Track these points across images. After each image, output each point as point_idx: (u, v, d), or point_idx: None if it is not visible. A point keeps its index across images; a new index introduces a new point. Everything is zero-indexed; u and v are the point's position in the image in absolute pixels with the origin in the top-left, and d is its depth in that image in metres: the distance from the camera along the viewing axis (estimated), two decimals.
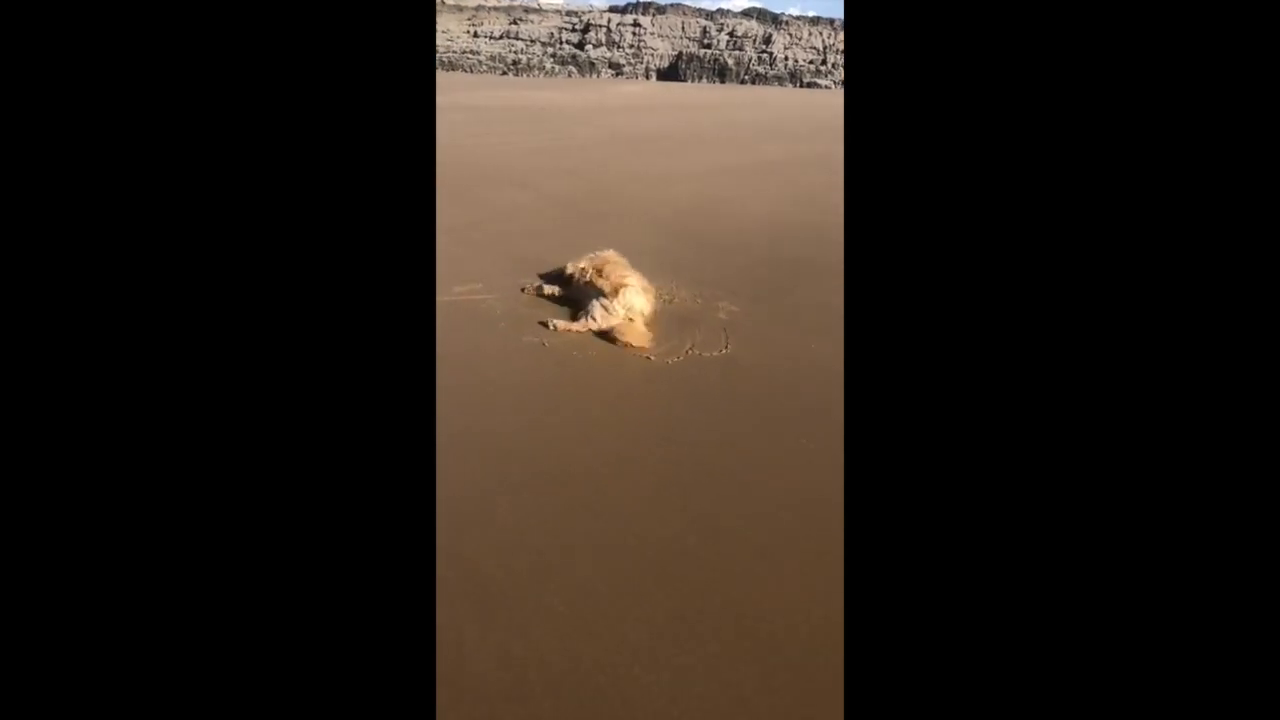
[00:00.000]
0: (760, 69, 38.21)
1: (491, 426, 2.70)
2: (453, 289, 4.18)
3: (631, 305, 3.62)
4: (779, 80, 37.71)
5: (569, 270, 4.13)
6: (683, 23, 41.50)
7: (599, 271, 3.89)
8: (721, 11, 43.92)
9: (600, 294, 3.71)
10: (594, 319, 3.60)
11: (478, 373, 3.17)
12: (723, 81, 37.74)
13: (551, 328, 3.63)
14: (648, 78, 39.22)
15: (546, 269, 4.61)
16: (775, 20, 42.45)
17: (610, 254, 4.09)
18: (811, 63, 39.34)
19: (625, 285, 3.70)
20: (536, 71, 39.19)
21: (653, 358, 3.36)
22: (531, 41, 40.51)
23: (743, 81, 37.77)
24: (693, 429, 2.72)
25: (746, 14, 43.47)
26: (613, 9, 42.57)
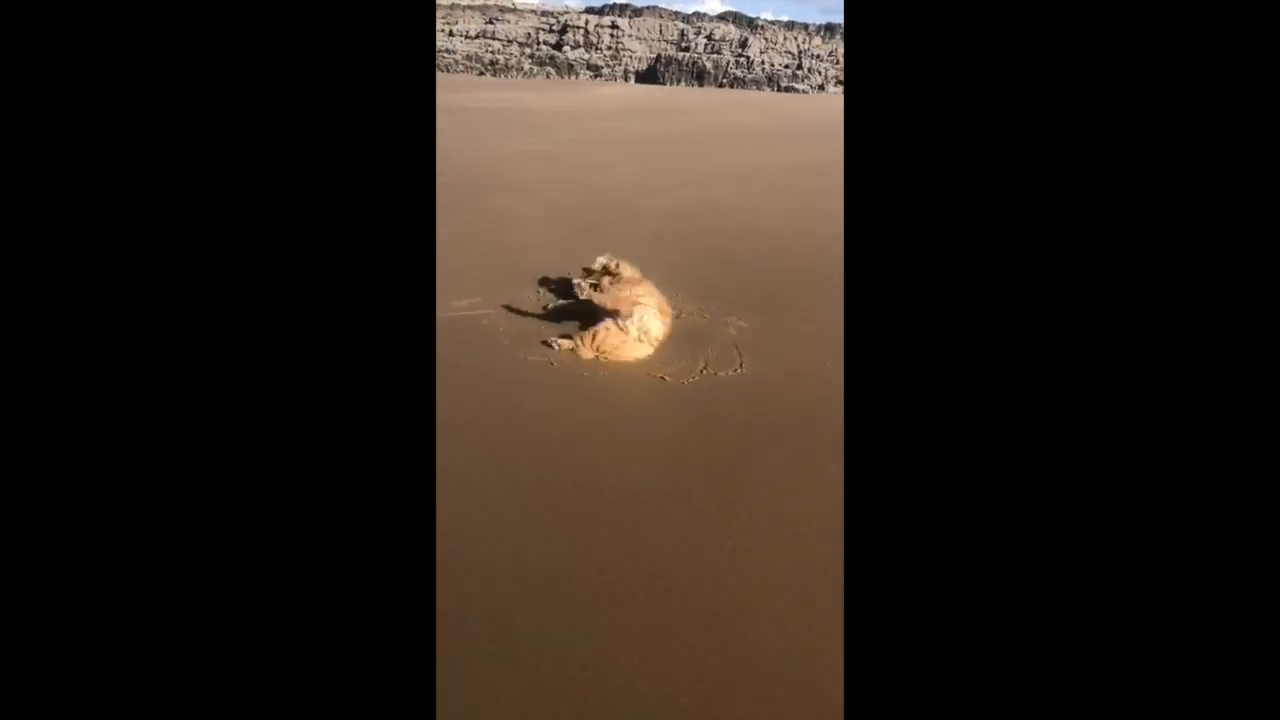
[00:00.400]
0: (738, 72, 38.40)
1: (497, 451, 2.56)
2: (451, 304, 4.02)
3: (647, 329, 3.48)
4: (756, 84, 37.93)
5: (578, 282, 3.99)
6: (660, 25, 41.50)
7: (611, 285, 3.74)
8: (698, 15, 44.05)
9: (613, 312, 3.56)
10: (602, 340, 3.43)
11: (482, 394, 3.03)
12: (701, 85, 37.82)
13: (555, 347, 3.49)
14: (626, 80, 39.15)
15: (547, 280, 4.48)
16: (751, 24, 42.71)
17: (626, 270, 3.94)
18: (787, 67, 39.67)
19: (640, 305, 3.55)
20: (514, 72, 38.85)
21: (667, 378, 3.25)
22: (508, 42, 40.14)
23: (721, 85, 37.91)
24: (714, 455, 2.62)
25: (723, 18, 43.66)
26: (589, 10, 42.41)
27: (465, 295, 4.17)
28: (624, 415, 2.95)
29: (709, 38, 40.87)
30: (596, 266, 3.95)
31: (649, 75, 39.20)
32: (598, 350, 3.38)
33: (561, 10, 42.03)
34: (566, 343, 3.48)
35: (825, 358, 3.50)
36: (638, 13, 42.13)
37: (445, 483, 2.33)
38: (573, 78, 38.82)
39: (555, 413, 2.91)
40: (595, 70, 39.42)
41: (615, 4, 42.40)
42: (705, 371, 3.32)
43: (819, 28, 42.82)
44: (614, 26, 40.15)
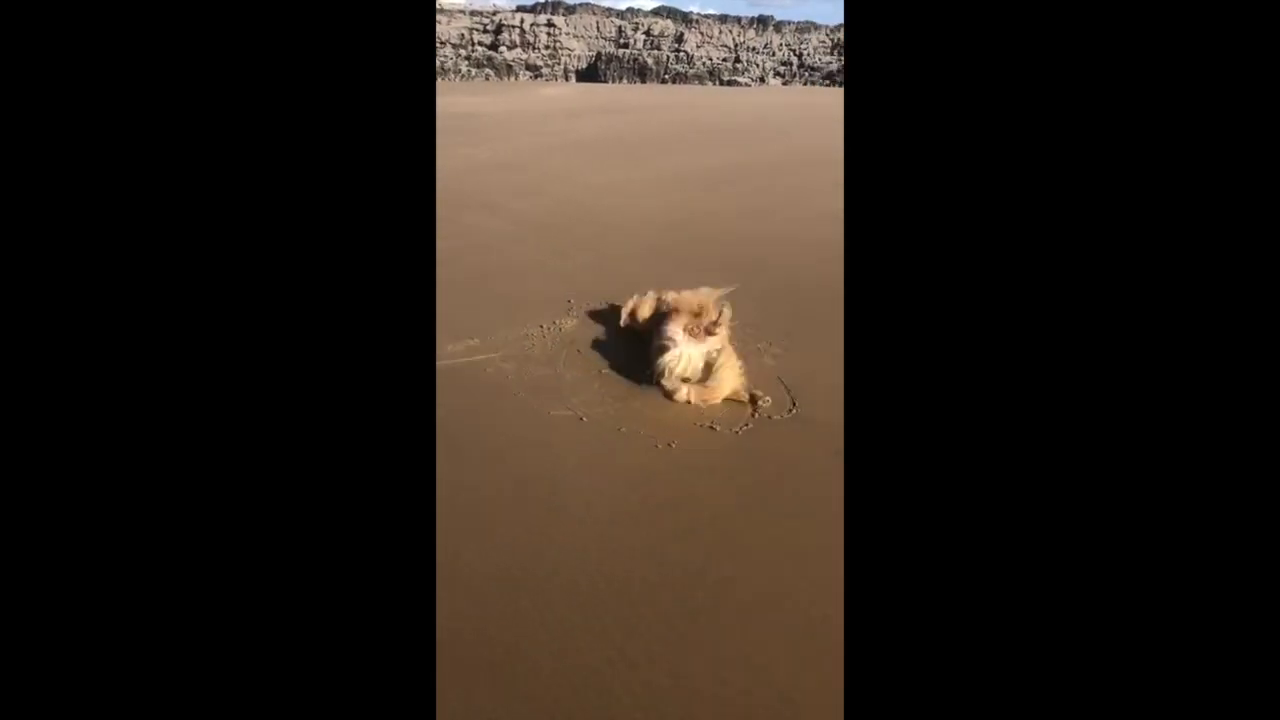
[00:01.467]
0: (679, 68, 38.28)
1: (533, 536, 2.11)
2: (447, 348, 3.52)
3: (723, 382, 3.03)
4: (699, 78, 37.91)
5: (624, 317, 3.57)
6: (597, 22, 40.97)
7: (668, 323, 3.25)
8: (632, 10, 43.66)
9: (675, 352, 3.10)
10: (688, 394, 3.01)
11: (502, 459, 2.55)
12: (644, 81, 37.52)
13: (676, 395, 3.02)
14: (567, 79, 38.51)
15: (546, 313, 4.01)
16: (685, 19, 42.70)
17: (690, 297, 3.46)
18: (725, 60, 39.83)
19: (722, 356, 3.10)
20: (452, 75, 37.65)
21: (716, 427, 2.84)
22: (442, 43, 38.85)
23: (663, 81, 37.71)
24: (793, 527, 2.23)
25: (657, 13, 43.55)
26: (521, 9, 41.47)
27: (460, 337, 3.66)
28: (677, 481, 2.53)
29: (647, 33, 40.62)
30: (638, 310, 3.54)
31: (590, 74, 38.65)
32: (703, 397, 3.00)
33: (492, 10, 40.99)
34: (682, 392, 3.02)
35: None
36: (571, 10, 41.48)
37: (463, 575, 1.87)
38: (512, 79, 37.92)
39: (595, 483, 2.47)
40: (535, 70, 38.60)
41: (547, 1, 41.61)
42: (756, 416, 2.93)
43: (751, 20, 43.26)
44: (550, 25, 39.41)
